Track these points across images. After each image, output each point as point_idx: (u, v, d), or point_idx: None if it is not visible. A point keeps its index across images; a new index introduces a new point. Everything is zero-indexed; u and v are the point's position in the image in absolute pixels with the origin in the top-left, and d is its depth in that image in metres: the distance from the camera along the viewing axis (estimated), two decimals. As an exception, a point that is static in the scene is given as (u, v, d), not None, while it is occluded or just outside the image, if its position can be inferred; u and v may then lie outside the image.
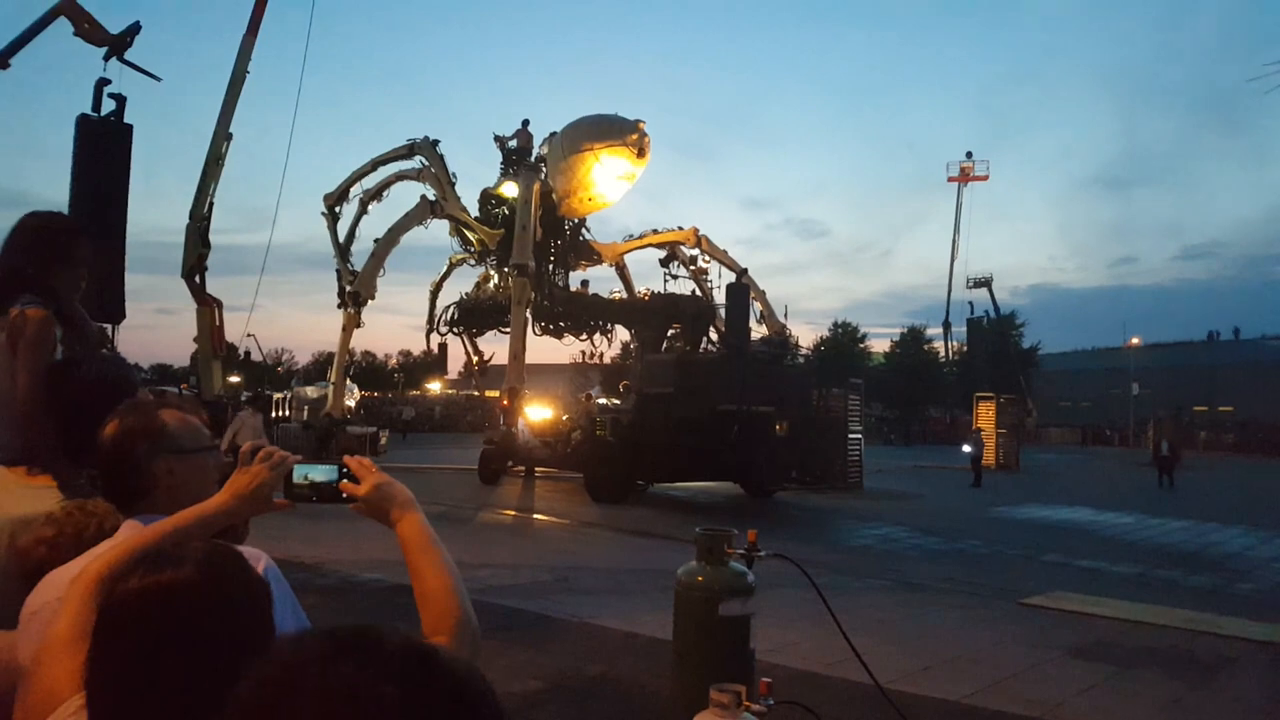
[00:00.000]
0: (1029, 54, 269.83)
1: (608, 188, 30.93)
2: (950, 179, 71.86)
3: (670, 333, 30.76)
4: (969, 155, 72.06)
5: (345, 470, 1.84)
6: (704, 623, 5.20)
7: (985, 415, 36.68)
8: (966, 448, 31.54)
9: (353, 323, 29.00)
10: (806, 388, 24.06)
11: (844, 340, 72.80)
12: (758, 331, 31.62)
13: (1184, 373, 75.40)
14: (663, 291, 32.67)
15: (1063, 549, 15.16)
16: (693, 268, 34.15)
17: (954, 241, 70.41)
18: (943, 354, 73.48)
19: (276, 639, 0.98)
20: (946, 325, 71.84)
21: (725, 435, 19.38)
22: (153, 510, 1.85)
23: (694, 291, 32.83)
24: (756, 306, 33.07)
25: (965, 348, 70.21)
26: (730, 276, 31.46)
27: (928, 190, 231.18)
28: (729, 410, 19.68)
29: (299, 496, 1.86)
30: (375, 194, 32.06)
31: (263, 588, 1.44)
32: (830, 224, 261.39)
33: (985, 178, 72.39)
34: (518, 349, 26.44)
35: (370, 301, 28.75)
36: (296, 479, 1.85)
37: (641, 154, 30.08)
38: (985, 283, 68.53)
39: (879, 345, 78.13)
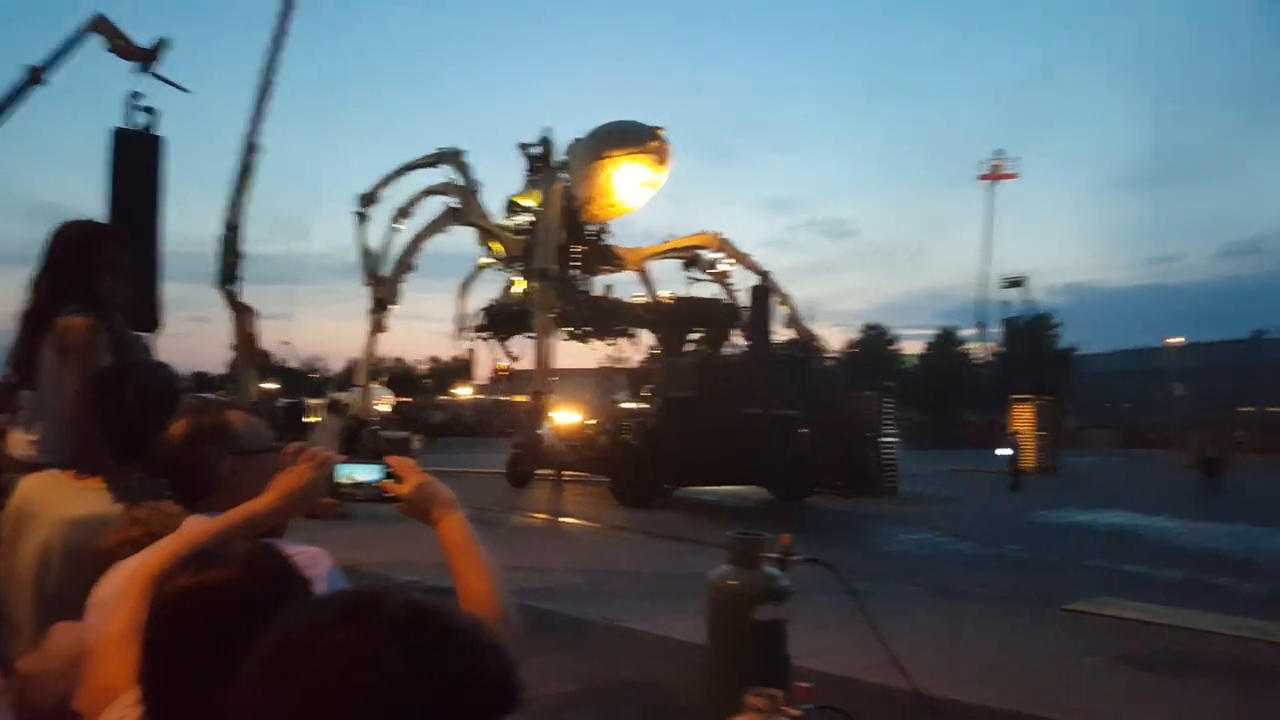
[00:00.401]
0: (1061, 47, 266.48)
1: (629, 194, 31.28)
2: (980, 177, 71.24)
3: (694, 336, 30.77)
4: (999, 153, 71.40)
5: (389, 470, 1.88)
6: (738, 627, 5.14)
7: (1022, 417, 36.22)
8: (1004, 451, 31.14)
9: (378, 327, 29.37)
10: (833, 390, 23.82)
11: (875, 342, 72.23)
12: (785, 334, 31.64)
13: (1228, 372, 73.89)
14: (685, 295, 32.79)
15: (1106, 553, 14.84)
16: (713, 271, 34.22)
17: (986, 241, 69.75)
18: (978, 356, 72.72)
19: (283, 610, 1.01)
20: (981, 326, 71.16)
21: (747, 439, 19.25)
22: (215, 509, 1.90)
23: (715, 295, 32.88)
24: (782, 310, 33.06)
25: (1000, 349, 69.43)
26: (753, 279, 31.48)
27: (958, 189, 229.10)
28: (751, 413, 19.56)
29: (344, 496, 1.92)
30: (405, 211, 32.31)
31: (305, 587, 1.47)
32: (858, 224, 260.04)
33: (1016, 175, 71.77)
34: (542, 354, 26.61)
35: (395, 307, 29.08)
36: (341, 479, 1.90)
37: (662, 161, 30.42)
38: (1019, 282, 67.88)
39: (912, 347, 77.31)
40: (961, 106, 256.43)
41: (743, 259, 34.28)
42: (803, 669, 5.61)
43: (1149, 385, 72.84)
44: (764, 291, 25.02)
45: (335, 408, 19.58)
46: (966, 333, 73.29)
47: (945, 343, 73.70)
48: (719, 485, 21.78)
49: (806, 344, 29.05)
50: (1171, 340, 74.15)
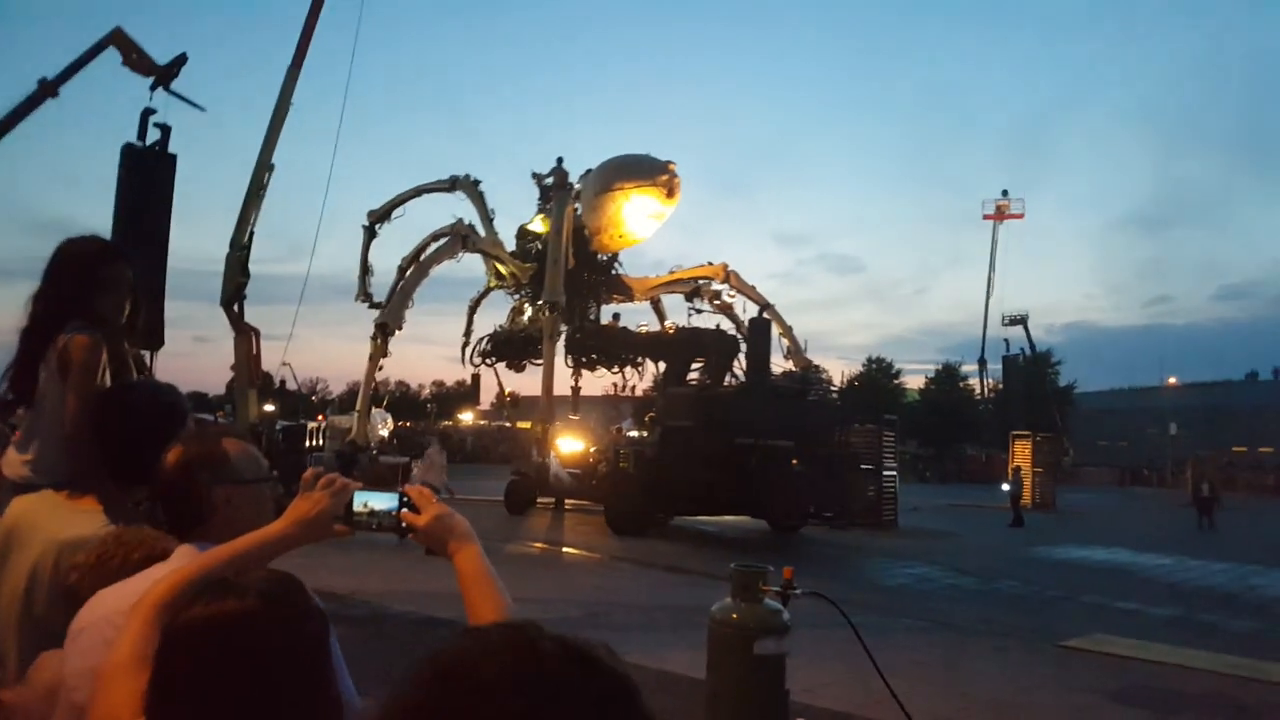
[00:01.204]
0: (1066, 92, 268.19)
1: (637, 226, 31.58)
2: (986, 217, 71.27)
3: (695, 366, 30.92)
4: (1005, 193, 71.46)
5: (406, 499, 1.83)
6: (739, 661, 5.14)
7: (1021, 454, 36.23)
8: (1006, 486, 31.15)
9: (380, 353, 29.42)
10: (829, 423, 23.85)
11: (878, 376, 72.27)
12: (785, 366, 31.83)
13: (1223, 413, 74.09)
14: (687, 325, 33.03)
15: (1101, 590, 14.88)
16: (717, 303, 34.57)
17: (989, 279, 69.64)
18: (978, 391, 72.68)
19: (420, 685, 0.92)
20: (982, 362, 70.99)
21: (739, 469, 19.30)
22: (207, 538, 1.86)
23: (719, 325, 33.08)
24: (783, 342, 33.36)
25: (1001, 385, 69.46)
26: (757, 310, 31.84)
27: (964, 227, 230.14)
28: (745, 444, 19.62)
29: (359, 524, 1.83)
30: (413, 258, 32.39)
31: (323, 618, 1.46)
32: (865, 260, 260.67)
33: (1021, 216, 71.64)
34: (549, 384, 26.79)
35: (398, 332, 29.15)
36: (357, 507, 1.83)
37: (671, 194, 30.71)
38: (1021, 320, 67.77)
39: (914, 382, 77.31)
40: (970, 146, 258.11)
41: (748, 291, 34.64)
42: (801, 704, 5.65)
43: (1145, 424, 72.94)
44: (764, 324, 25.21)
45: (443, 439, 19.47)
46: (968, 368, 73.33)
47: (947, 378, 73.80)
48: (713, 515, 21.69)
49: (804, 376, 29.09)
50: (1168, 380, 74.17)
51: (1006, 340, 67.99)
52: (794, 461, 20.07)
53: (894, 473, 25.21)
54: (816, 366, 31.99)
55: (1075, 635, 10.42)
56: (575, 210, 31.03)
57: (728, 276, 34.33)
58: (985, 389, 72.01)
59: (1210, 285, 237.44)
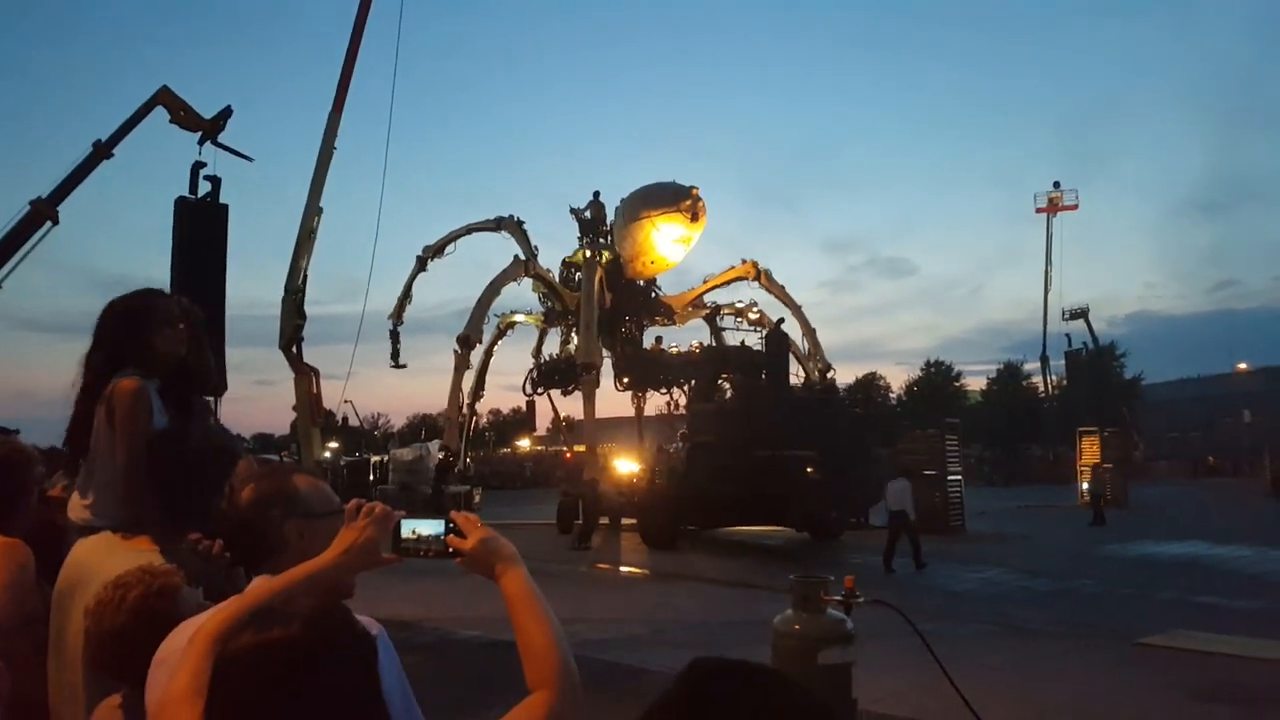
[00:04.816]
0: (1114, 79, 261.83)
1: (666, 251, 32.90)
2: (1038, 210, 70.21)
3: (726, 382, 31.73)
4: (1056, 185, 70.37)
5: (452, 525, 1.84)
6: (803, 672, 5.10)
7: (1089, 450, 35.47)
8: (1087, 485, 30.55)
9: (464, 364, 30.90)
10: (854, 429, 23.85)
11: (938, 380, 71.24)
12: (807, 368, 32.69)
13: (1298, 397, 71.70)
14: (713, 345, 34.05)
15: (1179, 585, 14.49)
16: (740, 319, 35.71)
17: (1046, 273, 68.51)
18: (1042, 389, 71.28)
19: None
20: (1044, 359, 69.79)
21: (759, 480, 19.35)
22: (280, 570, 1.90)
23: (743, 342, 33.90)
24: (805, 344, 34.18)
25: (1065, 382, 68.06)
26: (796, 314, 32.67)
27: (1017, 223, 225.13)
28: (761, 455, 19.80)
29: (407, 551, 1.86)
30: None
31: (368, 644, 1.47)
32: (917, 262, 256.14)
33: (1075, 207, 70.49)
34: (593, 443, 28.54)
35: (479, 345, 31.13)
36: (405, 534, 1.86)
37: (695, 218, 31.96)
38: (1082, 313, 66.69)
39: (975, 383, 75.98)
40: (1018, 140, 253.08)
41: (777, 290, 35.60)
42: (870, 713, 5.57)
43: (1217, 412, 70.84)
44: (780, 336, 25.52)
45: (907, 472, 19.50)
46: (1030, 367, 71.97)
47: (1009, 377, 72.28)
48: (740, 526, 21.88)
49: (827, 385, 29.71)
50: (1239, 366, 72.06)
51: (1068, 335, 66.91)
52: (809, 470, 19.91)
53: (958, 477, 24.83)
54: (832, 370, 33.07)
55: (1153, 632, 10.14)
56: (608, 252, 32.89)
57: (759, 274, 35.27)
58: (1049, 386, 70.69)
59: (1277, 266, 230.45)
